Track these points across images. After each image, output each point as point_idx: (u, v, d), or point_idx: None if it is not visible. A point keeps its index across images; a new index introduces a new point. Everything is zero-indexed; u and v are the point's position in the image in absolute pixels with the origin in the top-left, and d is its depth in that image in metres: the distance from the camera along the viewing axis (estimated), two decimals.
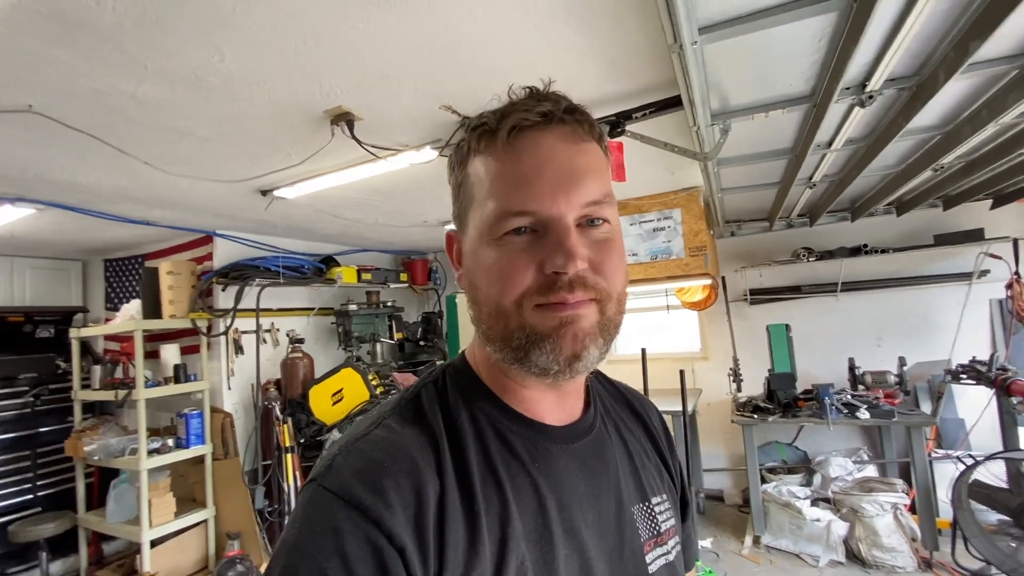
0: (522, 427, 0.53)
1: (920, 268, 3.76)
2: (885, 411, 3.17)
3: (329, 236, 4.25)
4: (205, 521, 3.48)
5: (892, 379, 3.54)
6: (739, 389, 3.78)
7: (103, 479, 3.69)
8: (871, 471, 3.61)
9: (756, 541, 3.46)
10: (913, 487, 3.15)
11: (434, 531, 0.43)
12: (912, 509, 3.16)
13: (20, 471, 3.65)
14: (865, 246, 3.68)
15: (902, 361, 3.50)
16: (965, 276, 3.57)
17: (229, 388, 3.73)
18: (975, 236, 3.41)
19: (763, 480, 3.76)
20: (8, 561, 3.49)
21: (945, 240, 3.51)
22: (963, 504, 2.87)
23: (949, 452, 3.40)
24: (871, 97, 1.60)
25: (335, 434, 3.50)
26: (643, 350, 3.23)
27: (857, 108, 1.70)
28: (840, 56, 1.31)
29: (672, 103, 1.80)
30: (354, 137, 1.97)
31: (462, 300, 4.31)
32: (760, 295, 4.21)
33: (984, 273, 3.53)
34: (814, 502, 3.39)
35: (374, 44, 1.50)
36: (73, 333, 3.65)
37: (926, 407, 3.58)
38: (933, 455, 3.45)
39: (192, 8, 1.29)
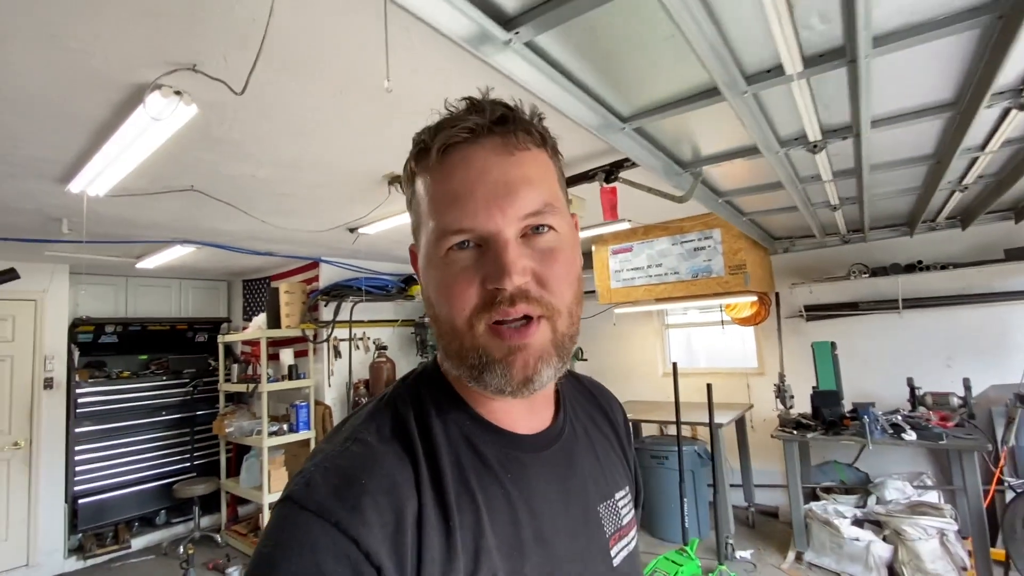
0: (494, 437, 0.54)
1: (994, 284, 3.54)
2: (933, 433, 3.08)
3: (407, 260, 4.96)
4: None
5: (956, 401, 3.39)
6: (784, 405, 3.81)
7: (239, 453, 4.69)
8: (932, 497, 3.46)
9: (799, 557, 3.49)
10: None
11: (412, 548, 0.43)
12: None
13: (182, 444, 4.78)
14: (920, 262, 3.56)
15: (966, 383, 3.34)
16: None
17: (329, 385, 4.55)
18: None
19: (816, 499, 3.76)
20: (172, 512, 4.60)
21: (1016, 255, 3.30)
22: (1016, 534, 2.74)
23: (1012, 481, 3.18)
24: (816, 147, 1.82)
25: None
26: (674, 364, 3.46)
27: (812, 153, 1.92)
28: (752, 126, 1.60)
29: None
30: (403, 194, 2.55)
31: None
32: (816, 311, 4.18)
33: None
34: (861, 523, 3.36)
35: (411, 131, 2.05)
36: (219, 339, 4.72)
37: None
38: (1006, 484, 3.25)
39: (285, 126, 1.93)
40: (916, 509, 3.19)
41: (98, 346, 4.65)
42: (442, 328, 0.51)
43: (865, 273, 3.78)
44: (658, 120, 1.63)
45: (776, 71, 1.32)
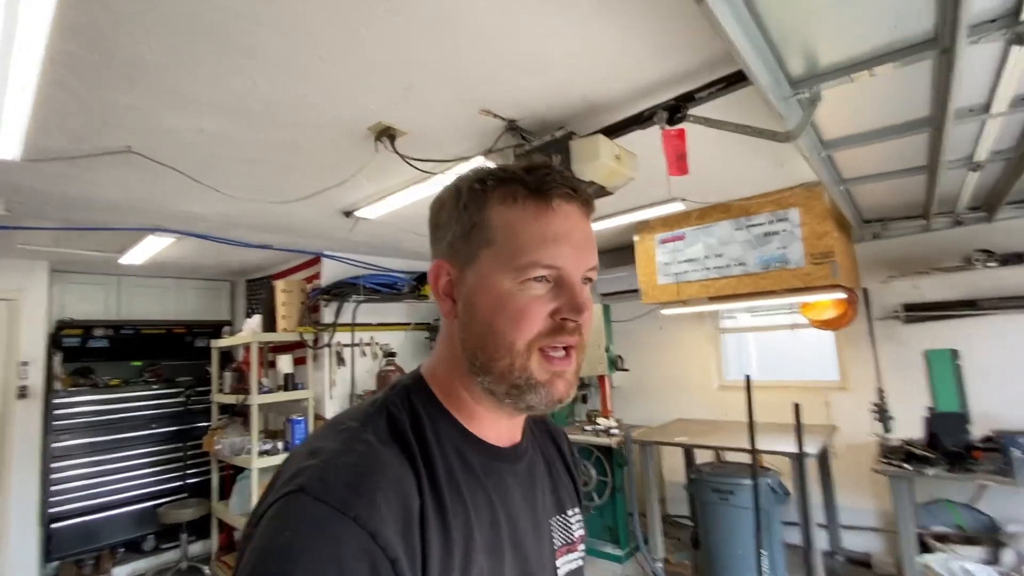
0: (478, 447, 0.60)
1: None
2: None
3: (420, 254, 4.38)
4: None
5: None
6: (886, 429, 3.02)
7: (235, 472, 4.17)
8: None
9: None
10: None
11: (419, 542, 0.47)
12: None
13: (174, 460, 4.29)
14: None
15: None
16: None
17: (331, 397, 3.99)
18: None
19: (927, 549, 2.95)
20: (162, 538, 4.10)
21: None
22: None
23: None
24: None
25: None
26: (747, 377, 2.73)
27: (1016, 48, 1.20)
28: None
29: (741, 76, 1.47)
30: (395, 151, 1.95)
31: None
32: (919, 311, 3.36)
33: None
34: None
35: (391, 54, 1.44)
36: (213, 344, 4.22)
37: None
38: None
39: (213, 41, 1.35)
40: None
41: (87, 351, 4.21)
42: (492, 344, 0.56)
43: (993, 261, 2.96)
44: None
45: None
